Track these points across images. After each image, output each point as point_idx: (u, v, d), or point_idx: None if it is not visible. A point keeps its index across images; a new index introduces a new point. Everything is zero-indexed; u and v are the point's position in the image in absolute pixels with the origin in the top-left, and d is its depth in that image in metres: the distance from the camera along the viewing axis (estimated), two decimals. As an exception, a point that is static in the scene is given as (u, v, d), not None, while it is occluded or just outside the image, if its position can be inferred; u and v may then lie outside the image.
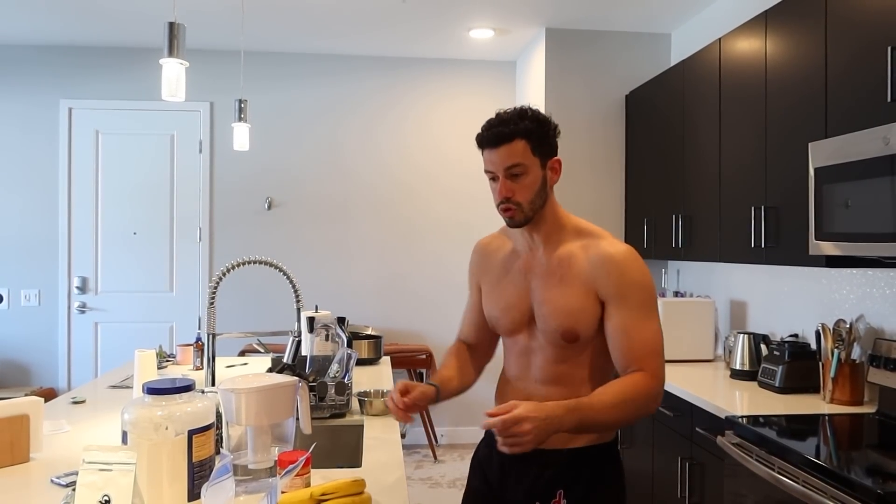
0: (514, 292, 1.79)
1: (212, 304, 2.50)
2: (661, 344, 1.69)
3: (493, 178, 1.69)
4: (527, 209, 1.68)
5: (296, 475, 1.54)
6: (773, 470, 2.14)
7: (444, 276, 5.41)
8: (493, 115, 1.70)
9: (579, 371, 1.74)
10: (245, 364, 3.50)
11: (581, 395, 1.64)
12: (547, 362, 1.75)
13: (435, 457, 5.13)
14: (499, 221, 1.82)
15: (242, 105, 3.89)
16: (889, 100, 2.15)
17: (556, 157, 1.72)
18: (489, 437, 1.86)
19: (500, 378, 1.93)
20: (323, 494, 1.51)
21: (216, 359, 2.62)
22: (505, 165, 1.65)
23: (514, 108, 1.69)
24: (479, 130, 1.69)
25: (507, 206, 1.68)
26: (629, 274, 1.66)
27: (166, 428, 1.45)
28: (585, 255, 1.70)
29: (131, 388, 2.87)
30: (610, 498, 1.77)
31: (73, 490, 1.30)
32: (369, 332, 4.35)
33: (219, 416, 1.71)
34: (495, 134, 1.65)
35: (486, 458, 1.89)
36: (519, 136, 1.64)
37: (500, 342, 1.93)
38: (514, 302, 1.79)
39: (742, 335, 3.24)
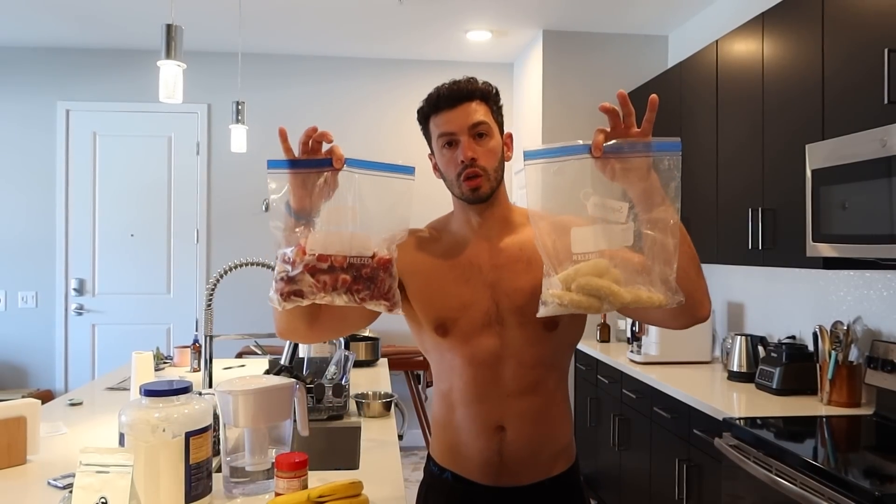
0: (470, 289, 1.49)
1: (209, 305, 2.50)
2: None
3: (450, 144, 1.47)
4: (492, 178, 1.48)
5: (293, 477, 1.54)
6: (771, 472, 2.14)
7: (442, 277, 5.40)
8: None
9: (552, 374, 1.52)
10: (242, 366, 3.50)
11: (555, 404, 1.51)
12: (521, 367, 1.48)
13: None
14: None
15: (240, 107, 3.89)
16: (886, 101, 2.16)
17: (507, 131, 1.57)
18: (438, 487, 1.59)
19: (440, 407, 1.58)
20: (320, 496, 1.51)
21: (213, 361, 2.62)
22: (470, 122, 1.45)
23: (465, 77, 1.51)
24: (423, 102, 1.50)
25: (472, 170, 1.45)
26: None
27: (163, 430, 1.45)
28: None
29: (128, 389, 2.86)
30: None
31: (70, 492, 1.30)
32: (367, 333, 4.34)
33: (216, 418, 1.71)
34: (455, 91, 1.46)
35: None
36: (478, 98, 1.47)
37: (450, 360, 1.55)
38: (471, 300, 1.49)
39: (739, 337, 3.24)
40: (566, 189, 1.21)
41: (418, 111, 1.52)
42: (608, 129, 1.24)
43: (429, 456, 1.63)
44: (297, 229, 1.27)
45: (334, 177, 1.29)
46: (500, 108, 1.53)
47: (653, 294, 1.19)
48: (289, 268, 1.24)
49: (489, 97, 1.50)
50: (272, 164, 1.29)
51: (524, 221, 1.53)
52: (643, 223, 1.23)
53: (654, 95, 1.24)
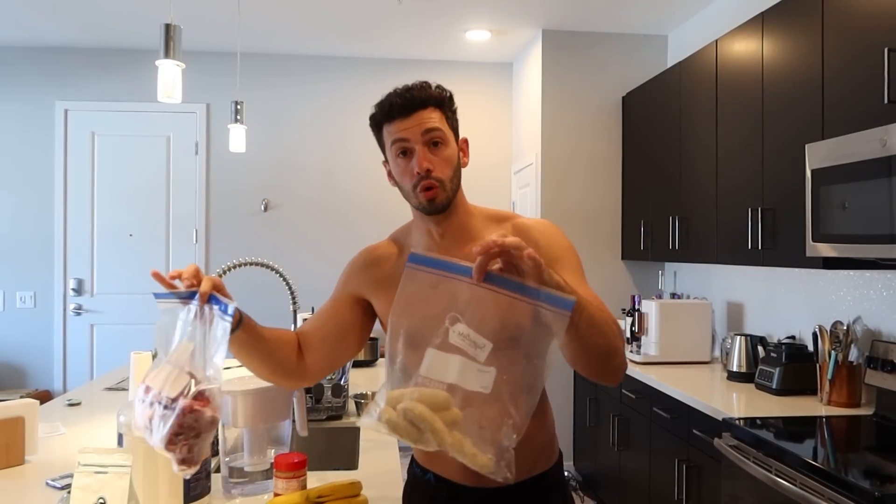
0: (436, 301, 1.42)
1: (208, 305, 2.49)
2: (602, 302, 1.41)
3: (405, 153, 1.42)
4: (448, 188, 1.43)
5: (292, 477, 1.53)
6: (771, 472, 2.14)
7: (441, 277, 5.40)
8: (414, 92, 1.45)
9: (512, 381, 1.39)
10: (241, 366, 3.49)
11: (507, 412, 1.40)
12: None
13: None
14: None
15: (238, 107, 3.89)
16: (886, 101, 2.15)
17: (463, 137, 1.51)
18: (422, 488, 1.60)
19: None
20: (319, 496, 1.50)
21: (212, 361, 2.61)
22: (423, 129, 1.40)
23: (419, 81, 1.46)
24: (375, 108, 1.46)
25: (428, 181, 1.40)
26: (556, 240, 1.49)
27: (162, 430, 1.44)
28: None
29: (127, 390, 2.86)
30: None
31: (69, 493, 1.29)
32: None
33: (215, 418, 1.70)
34: (408, 99, 1.41)
35: None
36: (432, 104, 1.43)
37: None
38: (434, 312, 1.33)
39: (739, 337, 3.24)
40: (437, 306, 1.12)
41: (371, 118, 1.47)
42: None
43: (412, 458, 1.63)
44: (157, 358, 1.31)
45: (202, 310, 1.31)
46: (454, 113, 1.49)
47: (478, 455, 1.08)
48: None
49: (443, 103, 1.45)
50: (157, 296, 1.38)
51: (486, 225, 1.52)
52: (510, 375, 1.11)
53: (531, 254, 1.08)
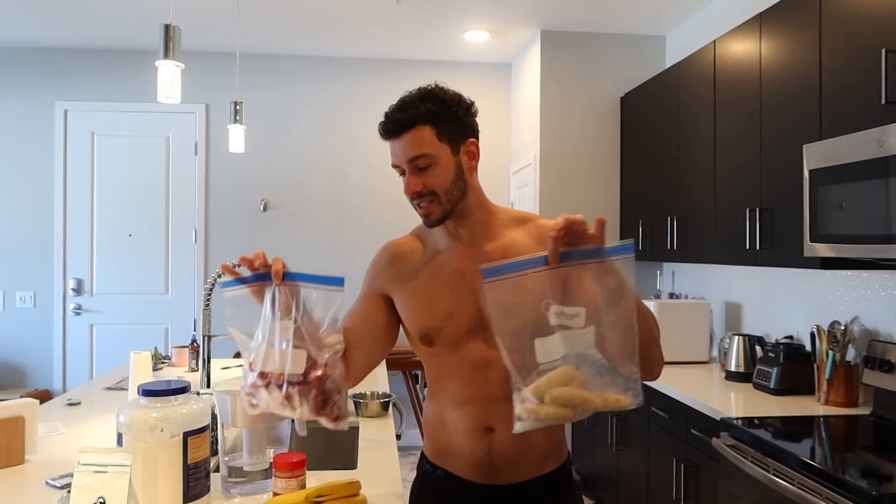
0: (454, 297, 1.50)
1: (207, 305, 2.50)
2: None
3: (402, 173, 1.47)
4: (444, 201, 1.45)
5: (291, 477, 1.54)
6: (769, 472, 2.14)
7: (440, 277, 5.40)
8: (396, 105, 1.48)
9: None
10: (240, 366, 3.49)
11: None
12: (508, 371, 1.46)
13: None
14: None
15: (238, 107, 3.89)
16: (883, 102, 2.16)
17: (470, 139, 1.49)
18: (431, 484, 1.61)
19: (432, 408, 1.60)
20: (318, 496, 1.51)
21: (211, 360, 2.62)
22: (408, 157, 1.43)
23: (419, 89, 1.47)
24: (379, 124, 1.49)
25: (419, 201, 1.45)
26: None
27: (161, 430, 1.45)
28: (531, 238, 1.50)
29: (126, 389, 2.86)
30: None
31: (69, 492, 1.30)
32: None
33: (214, 417, 1.71)
34: (395, 122, 1.44)
35: None
36: (421, 122, 1.42)
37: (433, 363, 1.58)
38: (456, 308, 1.50)
39: (737, 337, 3.25)
40: (526, 303, 1.22)
41: (378, 129, 1.51)
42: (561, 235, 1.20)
43: (422, 454, 1.65)
44: (247, 346, 1.33)
45: (281, 289, 1.33)
46: (451, 122, 1.46)
47: (620, 396, 1.22)
48: (244, 380, 1.32)
49: (435, 118, 1.43)
50: (223, 285, 1.38)
51: (507, 223, 1.54)
52: (606, 324, 1.24)
53: (601, 217, 1.24)
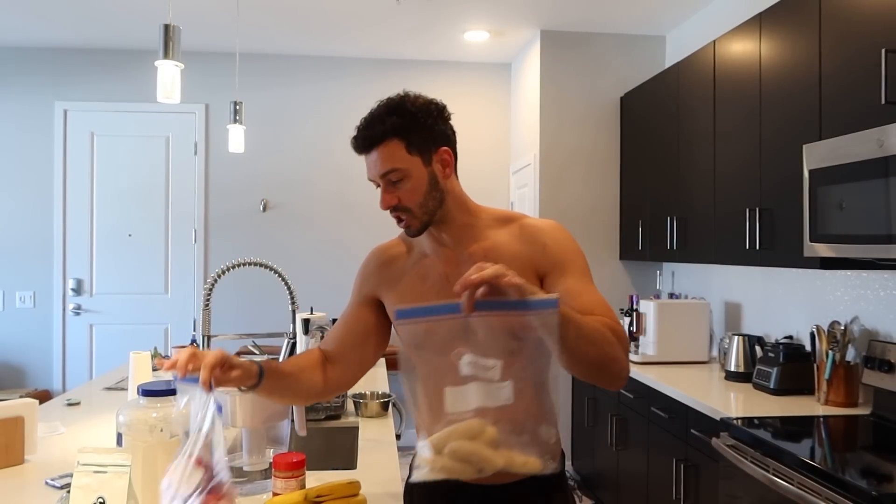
0: (440, 300, 1.44)
1: (207, 305, 2.50)
2: (609, 307, 1.45)
3: (378, 186, 1.47)
4: (420, 214, 1.46)
5: (291, 477, 1.54)
6: (768, 472, 2.14)
7: (440, 277, 5.40)
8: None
9: (529, 379, 1.43)
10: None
11: (533, 411, 1.40)
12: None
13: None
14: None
15: (237, 107, 3.89)
16: (883, 102, 2.16)
17: (443, 148, 1.47)
18: (422, 486, 1.57)
19: (426, 419, 1.61)
20: (318, 496, 1.51)
21: (211, 361, 2.61)
22: (379, 172, 1.44)
23: (385, 101, 1.45)
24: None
25: (396, 215, 1.47)
26: (564, 242, 1.50)
27: (161, 430, 1.45)
28: (514, 238, 1.50)
29: (126, 390, 2.86)
30: None
31: (68, 492, 1.30)
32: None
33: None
34: (364, 138, 1.44)
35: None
36: (389, 136, 1.42)
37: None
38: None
39: (737, 337, 3.25)
40: (438, 349, 1.18)
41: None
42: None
43: (415, 454, 1.64)
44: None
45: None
46: (420, 133, 1.44)
47: (529, 459, 1.16)
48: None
49: (401, 131, 1.42)
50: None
51: (491, 224, 1.54)
52: (524, 380, 1.19)
53: (515, 281, 1.15)
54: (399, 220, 1.48)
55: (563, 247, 1.49)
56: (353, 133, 1.47)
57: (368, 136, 1.43)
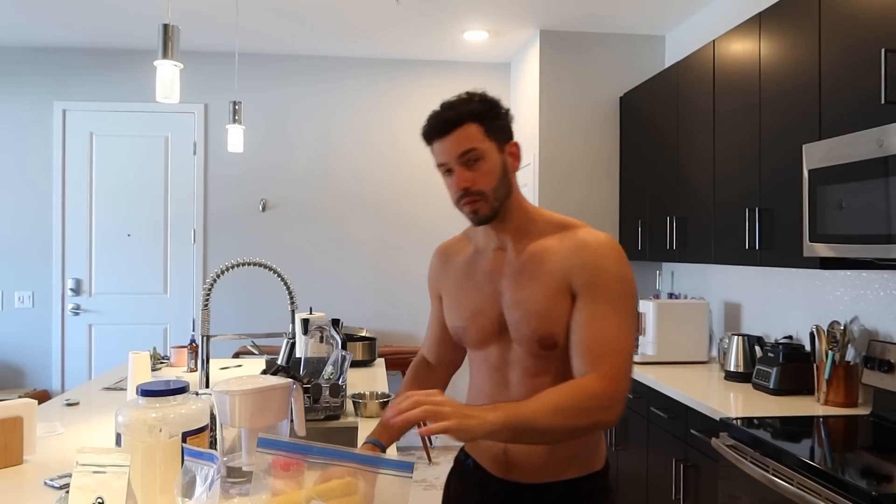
0: (480, 298, 1.56)
1: (206, 305, 2.49)
2: (624, 343, 1.42)
3: (448, 172, 1.48)
4: (492, 199, 1.47)
5: (290, 477, 1.53)
6: (768, 472, 2.14)
7: (439, 278, 5.40)
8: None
9: (559, 383, 1.46)
10: (239, 366, 3.49)
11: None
12: (526, 375, 1.51)
13: (429, 459, 5.12)
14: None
15: (237, 107, 3.89)
16: (883, 101, 2.16)
17: (513, 141, 1.52)
18: (461, 472, 1.73)
19: (468, 400, 1.66)
20: (318, 496, 1.50)
21: (210, 361, 2.62)
22: (458, 152, 1.44)
23: (462, 93, 1.50)
24: (423, 126, 1.51)
25: (469, 198, 1.46)
26: (604, 263, 1.45)
27: (160, 430, 1.45)
28: (560, 247, 1.49)
29: (125, 390, 2.86)
30: None
31: (67, 492, 1.29)
32: (364, 333, 4.34)
33: (213, 418, 1.70)
34: (443, 120, 1.45)
35: (462, 497, 1.71)
36: (469, 119, 1.45)
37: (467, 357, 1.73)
38: (480, 309, 1.56)
39: (736, 337, 3.24)
40: (294, 487, 1.22)
41: (421, 135, 1.53)
42: None
43: (461, 448, 1.74)
44: None
45: None
46: (498, 122, 1.49)
47: None
48: None
49: (482, 116, 1.46)
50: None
51: (546, 231, 1.54)
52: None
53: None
54: (469, 204, 1.48)
55: (601, 268, 1.45)
56: (425, 123, 1.50)
57: (449, 118, 1.45)
